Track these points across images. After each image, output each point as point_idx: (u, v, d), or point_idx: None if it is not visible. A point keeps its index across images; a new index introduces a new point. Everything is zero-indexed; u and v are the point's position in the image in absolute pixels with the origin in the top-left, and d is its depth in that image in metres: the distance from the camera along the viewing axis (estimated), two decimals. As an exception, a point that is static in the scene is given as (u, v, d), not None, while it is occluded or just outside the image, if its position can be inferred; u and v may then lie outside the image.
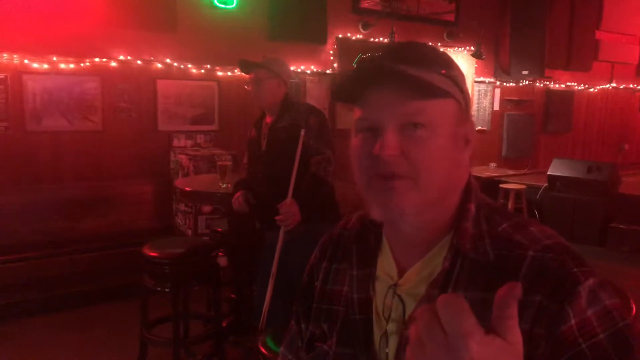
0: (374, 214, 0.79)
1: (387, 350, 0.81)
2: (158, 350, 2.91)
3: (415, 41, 0.82)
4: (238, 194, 2.65)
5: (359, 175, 0.78)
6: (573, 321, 0.67)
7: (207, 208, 4.21)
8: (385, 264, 0.85)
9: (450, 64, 0.78)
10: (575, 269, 0.70)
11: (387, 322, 0.81)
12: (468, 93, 0.82)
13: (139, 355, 2.89)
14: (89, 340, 3.31)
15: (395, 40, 5.64)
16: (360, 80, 0.77)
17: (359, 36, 5.63)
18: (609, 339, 0.67)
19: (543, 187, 5.07)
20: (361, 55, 0.80)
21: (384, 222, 0.85)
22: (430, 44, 0.84)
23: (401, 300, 0.80)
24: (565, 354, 0.66)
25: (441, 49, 0.84)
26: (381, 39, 5.71)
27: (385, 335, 0.81)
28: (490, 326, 0.70)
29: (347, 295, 0.88)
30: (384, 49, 0.80)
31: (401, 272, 0.82)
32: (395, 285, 0.82)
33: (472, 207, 0.79)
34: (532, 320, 0.69)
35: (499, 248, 0.75)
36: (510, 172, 5.79)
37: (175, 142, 4.67)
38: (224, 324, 3.11)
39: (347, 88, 0.78)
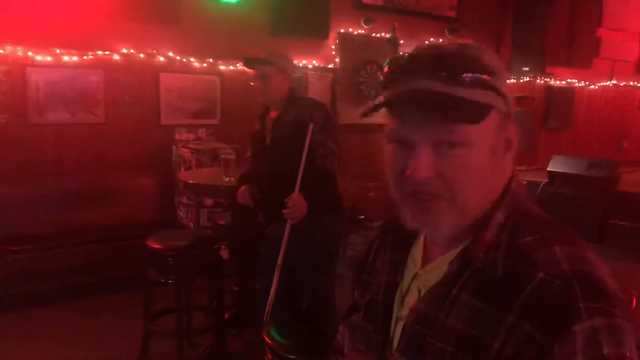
0: (409, 224, 0.77)
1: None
2: (161, 342, 2.93)
3: (453, 44, 0.74)
4: (243, 188, 2.66)
5: (393, 189, 0.76)
6: None
7: (209, 201, 4.23)
8: (415, 253, 0.87)
9: (491, 69, 0.72)
10: (581, 304, 0.62)
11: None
12: (510, 96, 0.76)
13: (142, 346, 2.92)
14: (91, 332, 3.33)
15: (397, 35, 5.65)
16: (394, 95, 0.73)
17: (361, 31, 5.64)
18: None
19: (543, 184, 5.08)
20: (390, 61, 0.76)
21: None
22: (467, 43, 0.75)
23: (418, 290, 0.83)
24: None
25: (481, 48, 0.75)
26: (383, 34, 5.71)
27: (398, 320, 0.85)
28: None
29: (379, 275, 0.92)
30: (417, 59, 0.73)
31: (425, 264, 0.85)
32: (417, 274, 0.85)
33: (498, 215, 0.75)
34: (516, 349, 0.64)
35: (513, 262, 0.70)
36: (510, 168, 5.80)
37: (177, 136, 4.69)
38: (225, 316, 3.14)
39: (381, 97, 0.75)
